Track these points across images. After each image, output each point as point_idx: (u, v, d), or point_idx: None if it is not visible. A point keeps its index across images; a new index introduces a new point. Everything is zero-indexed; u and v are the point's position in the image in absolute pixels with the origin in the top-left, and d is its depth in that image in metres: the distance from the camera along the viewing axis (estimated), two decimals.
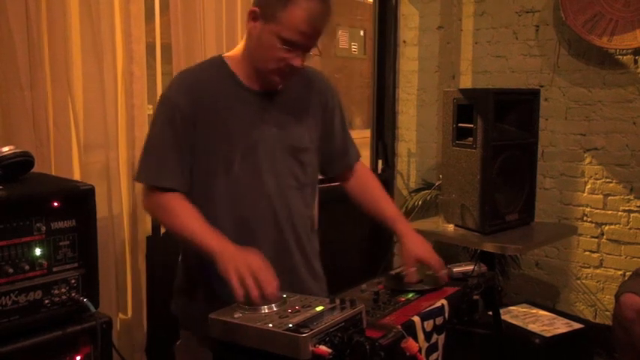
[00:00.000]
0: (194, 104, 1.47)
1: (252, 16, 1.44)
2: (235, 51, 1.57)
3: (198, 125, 1.48)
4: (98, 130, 1.92)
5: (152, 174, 1.49)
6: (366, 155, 3.60)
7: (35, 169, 1.41)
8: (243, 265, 1.32)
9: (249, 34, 1.48)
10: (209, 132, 1.48)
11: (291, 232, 1.57)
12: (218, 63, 1.55)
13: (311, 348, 1.14)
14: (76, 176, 1.88)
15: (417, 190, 3.45)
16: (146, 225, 2.10)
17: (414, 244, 1.62)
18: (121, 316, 2.04)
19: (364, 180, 1.75)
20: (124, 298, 2.05)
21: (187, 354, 1.61)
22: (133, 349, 2.05)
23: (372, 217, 1.70)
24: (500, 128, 2.43)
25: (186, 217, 1.44)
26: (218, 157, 1.49)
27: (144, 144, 1.55)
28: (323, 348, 1.15)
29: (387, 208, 1.70)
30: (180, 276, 1.62)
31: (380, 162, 3.53)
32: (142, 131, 2.02)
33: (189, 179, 1.50)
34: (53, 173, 1.77)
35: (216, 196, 1.50)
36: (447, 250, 3.38)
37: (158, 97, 1.59)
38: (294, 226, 1.57)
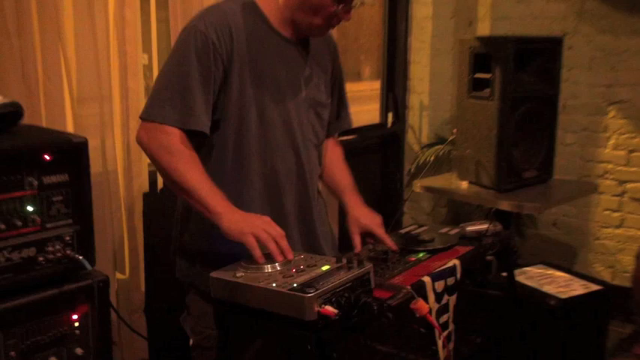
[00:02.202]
0: (227, 43, 1.41)
1: None
2: None
3: (232, 66, 1.42)
4: (91, 80, 1.85)
5: (178, 114, 1.38)
6: (375, 108, 3.50)
7: (25, 121, 1.35)
8: (260, 230, 1.30)
9: None
10: (242, 75, 1.43)
11: (311, 188, 1.57)
12: (249, 5, 1.49)
13: (316, 308, 1.12)
14: (69, 129, 1.81)
15: (430, 145, 3.38)
16: (142, 181, 2.05)
17: (360, 214, 1.60)
18: (118, 275, 2.03)
19: (335, 151, 1.73)
20: (121, 257, 2.03)
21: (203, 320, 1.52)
22: (132, 310, 2.04)
23: (326, 186, 1.71)
24: (519, 79, 2.34)
25: (192, 168, 1.38)
26: (250, 101, 1.45)
27: (159, 77, 1.43)
28: (329, 308, 1.12)
29: (342, 178, 1.69)
30: (188, 238, 1.54)
31: (390, 115, 3.43)
32: (136, 81, 1.94)
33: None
34: (44, 126, 1.71)
35: (248, 143, 1.46)
36: (461, 209, 3.32)
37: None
38: (312, 182, 1.59)
